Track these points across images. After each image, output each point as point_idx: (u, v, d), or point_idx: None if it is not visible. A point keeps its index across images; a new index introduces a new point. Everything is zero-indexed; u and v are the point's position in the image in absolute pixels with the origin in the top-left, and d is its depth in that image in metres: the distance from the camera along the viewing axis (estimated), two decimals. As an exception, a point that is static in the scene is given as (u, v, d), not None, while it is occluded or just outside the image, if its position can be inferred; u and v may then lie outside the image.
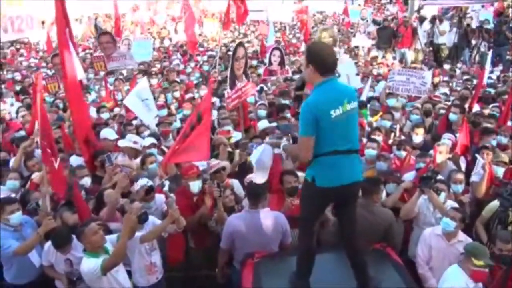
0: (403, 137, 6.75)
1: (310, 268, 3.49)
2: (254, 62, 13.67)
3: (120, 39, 13.34)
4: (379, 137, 6.22)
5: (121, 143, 6.29)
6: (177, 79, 11.49)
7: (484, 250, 3.76)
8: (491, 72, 11.52)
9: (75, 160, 5.97)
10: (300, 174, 4.90)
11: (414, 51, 14.71)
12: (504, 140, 6.26)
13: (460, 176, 5.13)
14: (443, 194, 4.67)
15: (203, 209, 4.68)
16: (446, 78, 11.29)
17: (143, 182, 4.73)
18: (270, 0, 17.67)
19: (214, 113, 8.00)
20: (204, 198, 4.70)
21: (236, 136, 6.59)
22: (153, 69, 12.63)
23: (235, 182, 5.20)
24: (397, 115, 7.54)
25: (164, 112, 8.21)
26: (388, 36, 15.04)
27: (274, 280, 3.68)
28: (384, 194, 4.96)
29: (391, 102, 8.15)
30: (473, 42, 14.59)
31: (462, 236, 4.36)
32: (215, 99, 8.88)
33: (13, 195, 5.03)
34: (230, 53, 7.59)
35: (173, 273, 4.73)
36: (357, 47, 16.40)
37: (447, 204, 4.63)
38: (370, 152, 5.70)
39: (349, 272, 3.56)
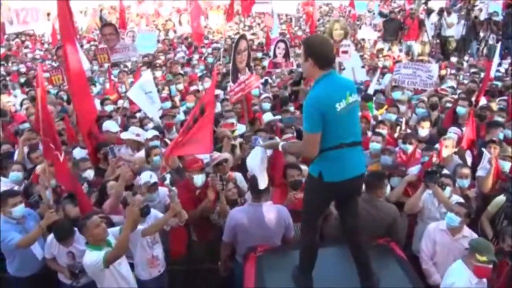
0: (409, 131, 6.69)
1: (313, 262, 3.46)
2: (259, 55, 13.60)
3: (125, 31, 13.33)
4: (383, 131, 6.16)
5: (124, 135, 6.29)
6: (181, 72, 11.46)
7: (488, 246, 3.71)
8: (499, 65, 11.37)
9: (79, 153, 5.98)
10: (304, 167, 4.88)
11: (420, 43, 14.55)
12: (510, 133, 6.19)
13: (466, 170, 5.07)
14: (448, 189, 4.62)
15: (205, 203, 4.66)
16: (453, 71, 11.17)
17: (146, 176, 4.72)
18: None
19: (218, 105, 7.98)
20: (206, 192, 4.67)
21: (240, 128, 6.56)
22: (157, 61, 12.59)
23: (238, 175, 5.17)
24: (402, 108, 7.47)
25: (168, 104, 8.19)
26: (395, 29, 14.88)
27: (276, 274, 3.66)
28: (388, 188, 4.91)
29: (397, 95, 8.06)
30: (481, 34, 14.40)
31: (467, 231, 4.32)
32: (219, 92, 8.84)
33: (16, 187, 5.03)
34: (235, 45, 7.51)
35: (175, 266, 4.72)
36: (363, 39, 16.26)
37: (452, 199, 4.58)
38: (375, 145, 5.64)
39: (351, 266, 3.53)
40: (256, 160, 3.67)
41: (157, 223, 4.26)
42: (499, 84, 9.47)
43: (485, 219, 4.88)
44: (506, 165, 5.33)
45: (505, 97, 8.03)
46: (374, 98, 8.33)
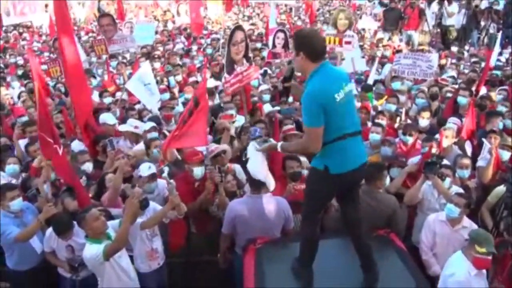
0: (409, 121, 6.65)
1: (313, 255, 3.45)
2: (259, 45, 13.50)
3: (123, 22, 13.22)
4: (383, 121, 6.12)
5: (122, 128, 6.26)
6: (180, 63, 11.39)
7: (487, 237, 3.70)
8: (500, 54, 11.29)
9: (77, 145, 5.95)
10: (303, 159, 4.86)
11: (421, 33, 14.45)
12: (510, 123, 6.15)
13: (466, 161, 5.06)
14: (447, 180, 4.60)
15: (204, 195, 4.64)
16: (454, 61, 11.10)
17: (145, 167, 4.70)
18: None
19: (218, 97, 7.94)
20: (205, 184, 4.65)
21: (240, 120, 6.52)
22: (156, 52, 12.51)
23: (237, 167, 5.15)
24: (402, 98, 7.42)
25: (167, 96, 8.14)
26: (395, 18, 14.77)
27: (276, 266, 3.66)
28: (388, 179, 4.89)
29: (396, 85, 8.01)
30: (482, 23, 14.29)
31: (466, 222, 4.31)
32: (218, 83, 8.78)
33: (13, 181, 5.01)
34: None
35: (174, 259, 4.72)
36: (363, 29, 16.15)
37: (452, 190, 4.57)
38: (375, 136, 5.61)
39: (351, 258, 3.53)
40: (258, 165, 3.63)
41: (156, 215, 4.25)
42: (499, 73, 9.41)
43: (485, 210, 4.87)
44: (505, 155, 5.31)
45: (505, 87, 7.98)
46: (373, 89, 8.29)
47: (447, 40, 14.10)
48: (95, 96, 8.42)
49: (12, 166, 5.24)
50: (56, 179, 4.86)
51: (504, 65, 10.63)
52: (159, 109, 7.45)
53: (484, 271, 3.75)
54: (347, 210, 3.46)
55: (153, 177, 4.70)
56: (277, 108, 6.98)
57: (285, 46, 9.17)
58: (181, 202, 4.25)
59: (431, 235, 4.34)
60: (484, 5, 14.39)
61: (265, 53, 11.46)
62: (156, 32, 15.32)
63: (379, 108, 7.05)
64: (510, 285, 4.07)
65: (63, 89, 9.06)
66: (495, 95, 7.63)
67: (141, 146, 5.79)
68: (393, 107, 6.97)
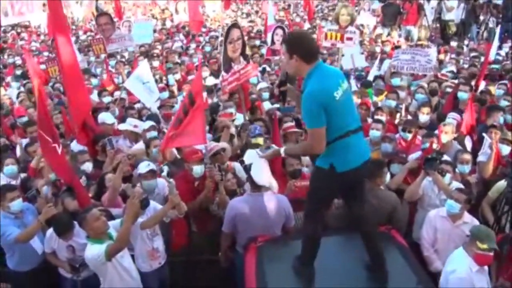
0: (409, 117, 6.64)
1: (315, 253, 3.44)
2: (257, 42, 13.48)
3: (121, 20, 13.18)
4: (382, 117, 6.11)
5: (122, 126, 6.25)
6: (178, 61, 11.36)
7: (489, 233, 3.68)
8: (500, 48, 11.27)
9: (77, 145, 5.92)
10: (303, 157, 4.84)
11: (420, 28, 14.42)
12: (511, 118, 6.14)
13: (467, 156, 5.04)
14: (448, 176, 4.59)
15: (203, 194, 4.63)
16: (453, 56, 11.08)
17: (143, 166, 4.69)
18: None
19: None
20: (205, 183, 4.64)
21: (239, 118, 6.51)
22: (154, 51, 12.48)
23: (236, 165, 5.12)
24: (402, 94, 7.41)
25: (166, 94, 8.12)
26: (393, 13, 14.76)
27: (277, 264, 3.64)
28: (388, 176, 4.87)
29: (396, 81, 8.00)
30: (481, 17, 14.26)
31: (467, 217, 4.29)
32: (217, 81, 8.76)
33: (13, 182, 5.00)
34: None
35: (175, 258, 4.71)
36: (362, 25, 16.11)
37: (452, 186, 4.55)
38: (375, 133, 5.60)
39: (353, 256, 3.53)
40: (261, 172, 3.61)
41: (156, 215, 4.24)
42: (497, 67, 9.39)
43: (486, 205, 4.86)
44: (505, 149, 5.30)
45: (505, 81, 7.96)
46: (373, 85, 8.27)
47: (447, 35, 14.07)
48: (94, 96, 8.41)
49: (10, 167, 5.22)
50: (56, 179, 4.84)
51: (504, 59, 10.61)
52: (159, 107, 7.44)
53: (486, 267, 3.73)
54: (353, 207, 3.45)
55: (152, 173, 4.69)
56: (277, 105, 6.96)
57: (284, 42, 9.14)
58: (181, 201, 4.23)
59: (432, 231, 4.33)
60: (483, -1, 14.38)
61: (264, 50, 11.43)
62: (155, 31, 15.28)
63: (379, 104, 7.04)
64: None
65: (62, 89, 9.03)
66: (495, 90, 7.61)
67: (140, 145, 5.78)
68: (393, 103, 6.97)
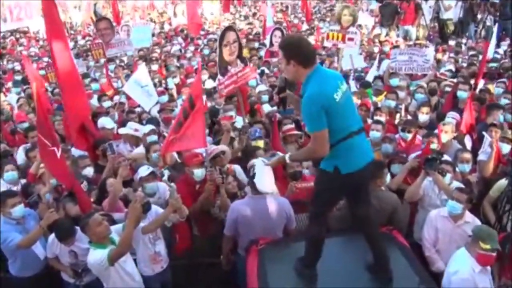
0: (409, 117, 6.64)
1: (318, 256, 3.45)
2: (256, 45, 13.50)
3: (119, 25, 13.20)
4: (381, 118, 6.11)
5: (122, 131, 6.25)
6: (177, 64, 11.37)
7: (492, 233, 3.67)
8: (498, 46, 11.28)
9: (78, 150, 5.92)
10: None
11: (418, 27, 14.43)
12: (510, 117, 6.14)
13: (467, 155, 5.05)
14: (448, 176, 4.59)
15: (203, 197, 4.63)
16: (452, 55, 11.09)
17: (143, 170, 4.70)
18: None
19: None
20: (205, 186, 4.64)
21: (238, 121, 6.51)
22: (153, 54, 12.50)
23: (237, 168, 5.14)
24: (402, 94, 7.42)
25: (165, 98, 8.12)
26: (391, 13, 14.78)
27: (279, 267, 3.65)
28: (388, 176, 4.87)
29: (394, 82, 8.01)
30: (479, 16, 14.28)
31: (469, 217, 4.29)
32: (216, 84, 8.77)
33: (13, 188, 5.00)
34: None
35: (177, 261, 4.71)
36: (360, 25, 16.12)
37: (452, 186, 4.55)
38: (375, 134, 5.60)
39: (355, 257, 3.54)
40: (267, 182, 3.61)
41: (157, 219, 4.24)
42: (496, 65, 9.40)
43: (487, 204, 4.85)
44: (505, 148, 5.30)
45: (504, 80, 7.97)
46: (372, 85, 8.28)
47: (445, 34, 14.08)
48: (94, 100, 8.42)
49: (10, 173, 5.21)
50: (58, 184, 4.85)
51: (502, 57, 10.62)
52: (159, 111, 7.44)
53: (489, 267, 3.72)
54: (357, 208, 3.44)
55: (153, 175, 4.71)
56: (276, 108, 6.96)
57: (283, 44, 9.14)
58: (182, 205, 4.24)
59: (433, 231, 4.32)
60: (480, -3, 14.40)
61: (262, 53, 11.45)
62: (153, 34, 15.31)
63: (379, 105, 7.04)
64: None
65: (62, 94, 9.03)
66: (493, 88, 7.61)
67: (141, 149, 5.79)
68: (392, 103, 6.97)
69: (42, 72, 10.63)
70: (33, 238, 4.27)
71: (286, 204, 4.27)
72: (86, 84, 9.26)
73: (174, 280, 4.63)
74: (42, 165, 5.03)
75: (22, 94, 9.31)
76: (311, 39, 12.40)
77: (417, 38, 13.87)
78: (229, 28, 6.69)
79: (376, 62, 9.55)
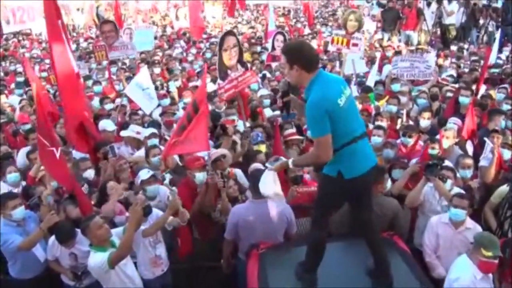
0: (411, 122, 6.63)
1: (319, 260, 3.44)
2: (258, 48, 13.52)
3: (122, 28, 13.23)
4: (382, 123, 6.11)
5: (124, 133, 6.25)
6: (179, 67, 11.38)
7: (494, 240, 3.66)
8: (500, 52, 11.28)
9: (78, 152, 5.92)
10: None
11: (420, 32, 14.44)
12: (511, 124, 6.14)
13: (469, 161, 5.04)
14: (449, 182, 4.58)
15: (200, 197, 4.63)
16: (454, 60, 11.09)
17: (144, 173, 4.70)
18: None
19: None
20: (207, 189, 4.63)
21: (239, 125, 6.51)
22: (155, 57, 12.53)
23: (238, 172, 5.14)
24: (403, 99, 7.41)
25: (167, 101, 8.13)
26: (393, 18, 14.80)
27: (279, 271, 3.64)
28: (389, 182, 4.86)
29: (396, 87, 8.01)
30: (481, 21, 14.29)
31: (470, 223, 4.28)
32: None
33: (14, 190, 5.00)
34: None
35: (178, 265, 4.71)
36: (362, 30, 16.14)
37: (453, 192, 4.53)
38: (376, 139, 5.59)
39: (355, 262, 3.53)
40: (269, 186, 3.60)
41: (157, 222, 4.24)
42: (497, 71, 9.39)
43: (488, 210, 4.83)
44: (506, 154, 5.29)
45: (505, 85, 7.96)
46: (373, 89, 8.27)
47: (447, 39, 14.09)
48: (96, 102, 8.43)
49: (13, 175, 5.21)
50: (59, 186, 4.84)
51: (504, 63, 10.61)
52: (160, 114, 7.45)
53: (490, 275, 3.71)
54: (359, 213, 3.44)
55: (154, 178, 4.71)
56: (278, 112, 6.96)
57: (285, 48, 9.15)
58: (184, 209, 4.24)
59: (434, 237, 4.31)
60: (482, 3, 14.40)
61: (264, 57, 11.46)
62: (155, 37, 15.34)
63: (381, 109, 7.04)
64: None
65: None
66: (495, 94, 7.61)
67: (142, 152, 5.78)
68: (394, 108, 6.96)
69: (44, 74, 10.65)
70: (34, 240, 4.26)
71: (287, 208, 4.26)
72: (89, 86, 9.28)
73: (174, 283, 4.63)
74: (42, 167, 5.04)
75: (24, 96, 9.34)
76: (313, 43, 12.40)
77: (419, 43, 13.88)
78: (229, 32, 6.70)
79: (375, 67, 9.54)
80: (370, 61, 11.07)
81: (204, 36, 16.63)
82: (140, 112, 7.63)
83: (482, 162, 5.34)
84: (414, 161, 5.27)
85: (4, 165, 5.35)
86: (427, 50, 11.62)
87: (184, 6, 17.88)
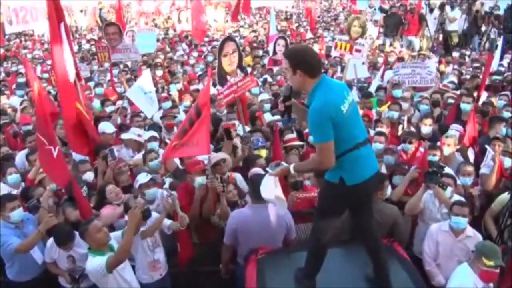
0: (412, 128, 6.62)
1: (319, 267, 3.42)
2: (260, 52, 13.53)
3: (124, 30, 13.26)
4: (383, 129, 6.09)
5: (125, 136, 6.24)
6: (180, 70, 11.39)
7: (495, 250, 3.64)
8: (502, 59, 11.28)
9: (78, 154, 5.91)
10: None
11: (422, 38, 14.45)
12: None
13: (470, 168, 5.02)
14: (449, 189, 4.56)
15: (196, 200, 4.61)
16: (455, 66, 11.09)
17: (142, 176, 4.69)
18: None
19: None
20: (206, 194, 4.62)
21: (239, 129, 6.50)
22: (157, 60, 12.54)
23: (237, 176, 5.13)
24: (405, 105, 7.39)
25: (168, 104, 8.13)
26: (395, 24, 14.82)
27: (278, 276, 3.62)
28: (389, 188, 4.84)
29: (397, 93, 7.99)
30: (483, 28, 14.31)
31: (470, 231, 4.26)
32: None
33: (14, 191, 4.99)
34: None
35: (177, 269, 4.69)
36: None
37: (453, 199, 4.51)
38: (377, 146, 5.56)
39: (355, 268, 3.52)
40: (270, 190, 3.59)
41: (154, 222, 4.24)
42: (498, 78, 9.38)
43: (488, 218, 4.82)
44: (507, 162, 5.27)
45: (507, 92, 7.94)
46: (374, 95, 8.26)
47: (449, 45, 14.10)
48: (96, 104, 8.43)
49: (14, 176, 5.20)
50: (58, 189, 4.83)
51: (506, 70, 10.60)
52: (161, 117, 7.44)
53: (491, 284, 3.69)
54: (360, 219, 3.42)
55: (153, 181, 4.70)
56: (278, 117, 6.94)
57: (286, 52, 9.15)
58: (184, 214, 4.22)
59: (434, 245, 4.29)
60: (484, 10, 14.41)
61: (265, 61, 11.47)
62: (158, 40, 15.36)
63: (383, 115, 7.02)
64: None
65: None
66: (496, 101, 7.59)
67: (142, 155, 5.77)
68: (395, 114, 6.94)
69: (46, 75, 10.66)
70: (32, 242, 4.25)
71: (286, 214, 4.24)
72: (90, 88, 9.28)
73: (173, 287, 4.61)
74: (41, 170, 5.02)
75: (26, 97, 9.34)
76: (315, 48, 12.42)
77: (421, 49, 13.89)
78: (228, 38, 6.69)
79: (380, 73, 9.53)
80: (372, 66, 11.07)
81: (206, 39, 16.66)
82: (141, 114, 7.62)
83: (483, 170, 5.32)
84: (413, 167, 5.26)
85: (4, 166, 5.34)
86: (429, 56, 11.63)
87: (187, 9, 17.92)
